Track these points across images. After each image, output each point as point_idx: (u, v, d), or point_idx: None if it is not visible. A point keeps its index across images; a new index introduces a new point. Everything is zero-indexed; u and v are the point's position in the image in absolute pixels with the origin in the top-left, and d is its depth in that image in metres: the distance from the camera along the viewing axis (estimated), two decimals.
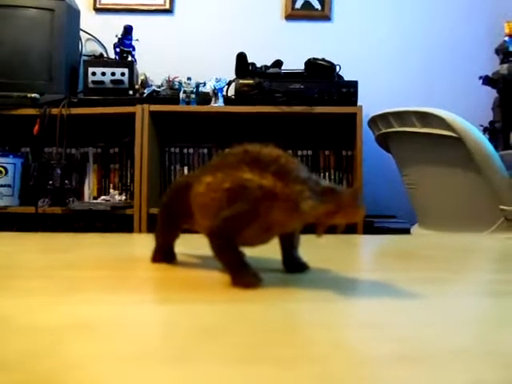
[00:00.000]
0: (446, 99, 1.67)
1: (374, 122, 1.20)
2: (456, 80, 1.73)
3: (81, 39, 1.64)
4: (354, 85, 1.47)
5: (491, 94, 1.44)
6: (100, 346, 0.12)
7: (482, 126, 1.41)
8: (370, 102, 1.50)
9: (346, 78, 1.51)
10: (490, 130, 1.42)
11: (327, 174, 1.58)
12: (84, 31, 1.66)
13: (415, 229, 1.25)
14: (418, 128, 1.00)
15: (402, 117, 1.05)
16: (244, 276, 0.21)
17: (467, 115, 1.06)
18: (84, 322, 0.15)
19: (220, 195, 0.22)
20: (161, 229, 0.27)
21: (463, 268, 0.27)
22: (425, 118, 0.98)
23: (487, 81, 1.35)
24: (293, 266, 0.25)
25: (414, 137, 1.03)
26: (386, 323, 0.15)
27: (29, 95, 1.41)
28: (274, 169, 0.21)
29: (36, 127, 1.40)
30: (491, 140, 1.29)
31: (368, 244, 0.42)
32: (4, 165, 1.46)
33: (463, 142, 0.93)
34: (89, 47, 1.70)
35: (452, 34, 1.74)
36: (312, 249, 0.33)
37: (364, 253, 0.37)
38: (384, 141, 1.22)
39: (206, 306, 0.17)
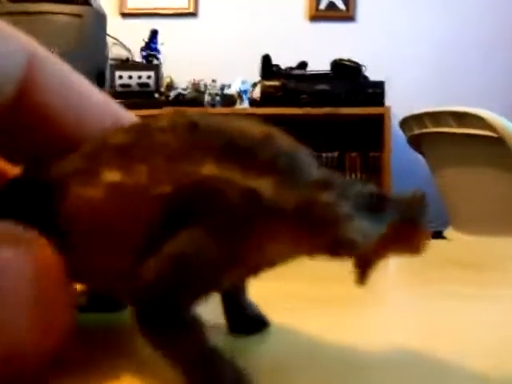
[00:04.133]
0: (480, 98, 1.62)
1: (407, 122, 1.17)
2: (490, 79, 1.68)
3: (107, 44, 1.66)
4: (380, 85, 1.45)
5: None
6: None
7: None
8: (398, 103, 1.48)
9: (371, 79, 1.49)
10: None
11: (353, 176, 1.56)
12: (110, 36, 1.68)
13: (449, 232, 1.21)
14: (454, 128, 0.97)
15: (437, 117, 1.03)
16: (217, 380, 0.11)
17: (505, 115, 1.03)
18: None
19: (148, 209, 0.11)
20: None
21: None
22: (462, 118, 0.95)
23: None
24: (243, 322, 0.14)
25: (450, 137, 1.00)
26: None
27: None
28: (265, 158, 0.11)
29: None
30: None
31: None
32: None
33: (504, 142, 0.90)
34: (115, 51, 1.72)
35: (487, 30, 1.69)
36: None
37: (396, 263, 0.35)
38: (416, 142, 1.20)
39: None
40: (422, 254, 0.11)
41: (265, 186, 0.11)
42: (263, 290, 0.13)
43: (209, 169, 0.11)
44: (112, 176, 0.12)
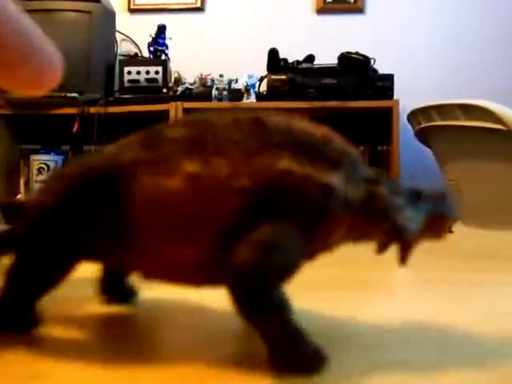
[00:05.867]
0: (490, 92, 1.59)
1: (414, 115, 1.16)
2: (501, 72, 1.65)
3: (116, 40, 1.68)
4: (389, 78, 1.43)
5: None
6: None
7: None
8: (407, 96, 1.46)
9: (381, 72, 1.47)
10: None
11: None
12: (119, 32, 1.69)
13: (457, 225, 1.20)
14: (462, 121, 0.96)
15: (444, 110, 1.02)
16: (298, 354, 0.12)
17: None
18: None
19: (230, 201, 0.12)
20: (26, 269, 0.13)
21: None
22: (471, 110, 0.94)
23: None
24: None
25: (458, 131, 0.99)
26: None
27: (68, 95, 1.46)
28: (331, 156, 0.12)
29: (75, 126, 1.44)
30: None
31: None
32: (46, 162, 1.52)
33: None
34: (123, 47, 1.74)
35: (497, 22, 1.66)
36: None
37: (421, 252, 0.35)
38: (424, 135, 1.18)
39: None
40: (443, 240, 0.14)
41: (336, 181, 0.12)
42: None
43: (286, 164, 0.12)
44: (190, 167, 0.12)
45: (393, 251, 0.14)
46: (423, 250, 0.32)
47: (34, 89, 0.17)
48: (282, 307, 0.12)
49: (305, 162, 0.12)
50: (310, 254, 0.13)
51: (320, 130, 0.13)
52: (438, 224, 0.14)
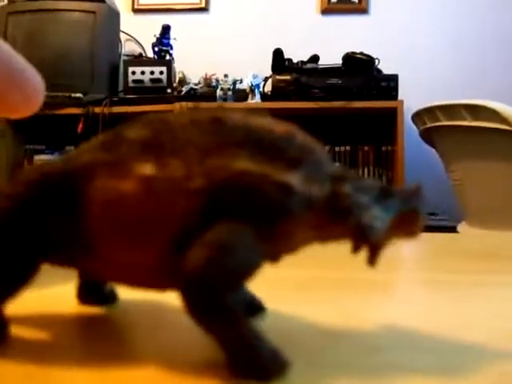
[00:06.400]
0: (495, 92, 1.59)
1: (419, 116, 1.16)
2: (506, 72, 1.64)
3: (120, 40, 1.68)
4: (394, 79, 1.43)
5: None
6: None
7: None
8: (412, 96, 1.46)
9: (385, 72, 1.47)
10: None
11: (366, 169, 1.55)
12: (123, 32, 1.70)
13: (462, 226, 1.20)
14: (468, 122, 0.95)
15: (450, 110, 1.01)
16: (256, 360, 0.11)
17: None
18: None
19: (185, 203, 0.11)
20: None
21: None
22: (476, 111, 0.94)
23: None
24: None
25: (463, 131, 0.99)
26: None
27: (73, 95, 1.46)
28: (291, 154, 0.12)
29: (80, 126, 1.44)
30: None
31: (429, 242, 0.40)
32: None
33: None
34: (128, 47, 1.74)
35: (502, 21, 1.65)
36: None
37: (429, 251, 0.35)
38: (429, 136, 1.18)
39: None
40: (418, 238, 0.13)
41: (295, 179, 0.12)
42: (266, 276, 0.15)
43: (243, 164, 0.11)
44: (144, 169, 0.12)
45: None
46: (422, 250, 0.32)
47: (20, 114, 0.18)
48: (237, 312, 0.11)
49: (263, 160, 0.12)
50: (273, 255, 0.13)
51: (281, 127, 0.13)
52: (409, 221, 0.13)
